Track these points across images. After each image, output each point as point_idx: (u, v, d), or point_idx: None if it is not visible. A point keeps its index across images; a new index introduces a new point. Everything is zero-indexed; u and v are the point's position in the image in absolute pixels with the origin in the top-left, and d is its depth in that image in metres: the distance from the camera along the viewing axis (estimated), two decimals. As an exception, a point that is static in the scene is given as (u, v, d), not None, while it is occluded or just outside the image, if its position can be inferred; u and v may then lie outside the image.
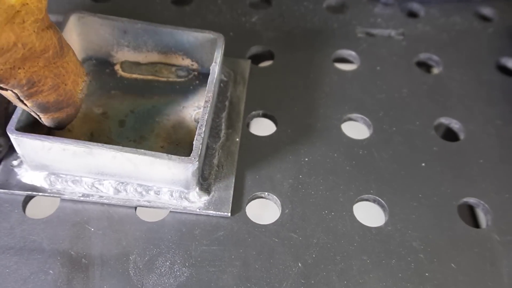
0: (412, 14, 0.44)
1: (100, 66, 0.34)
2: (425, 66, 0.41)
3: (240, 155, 0.32)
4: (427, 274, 0.28)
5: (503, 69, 0.40)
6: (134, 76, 0.34)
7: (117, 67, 0.34)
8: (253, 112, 0.35)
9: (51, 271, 0.27)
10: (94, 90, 0.33)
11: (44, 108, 0.26)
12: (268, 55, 0.39)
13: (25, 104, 0.25)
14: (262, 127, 0.35)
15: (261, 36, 0.40)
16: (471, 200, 0.32)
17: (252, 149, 0.33)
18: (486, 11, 0.44)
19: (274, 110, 0.35)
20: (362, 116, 0.35)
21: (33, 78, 0.23)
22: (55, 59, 0.24)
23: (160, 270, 0.27)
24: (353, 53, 0.39)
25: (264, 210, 0.32)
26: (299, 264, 0.28)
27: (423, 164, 0.33)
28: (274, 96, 0.36)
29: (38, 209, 0.31)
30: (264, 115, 0.35)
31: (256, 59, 0.39)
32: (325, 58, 0.39)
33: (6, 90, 0.23)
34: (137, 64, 0.34)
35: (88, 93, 0.32)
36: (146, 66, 0.34)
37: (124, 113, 0.32)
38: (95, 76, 0.34)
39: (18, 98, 0.24)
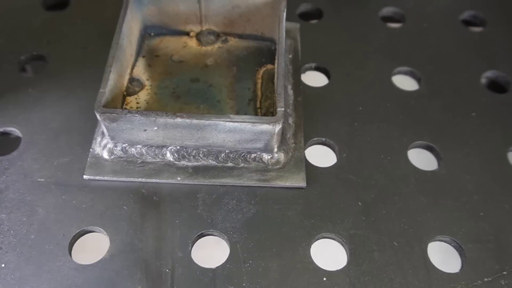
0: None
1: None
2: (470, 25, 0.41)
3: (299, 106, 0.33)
4: (481, 213, 0.30)
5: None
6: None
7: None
8: (306, 65, 0.36)
9: (125, 207, 0.29)
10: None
11: None
12: (317, 14, 0.40)
13: None
14: (315, 79, 0.36)
15: (308, -6, 0.41)
16: (522, 147, 0.33)
17: (307, 99, 0.34)
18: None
19: (326, 63, 0.36)
20: (412, 69, 0.36)
21: None
22: None
23: (228, 206, 0.29)
24: (400, 10, 0.40)
25: (322, 155, 0.33)
26: (359, 203, 0.29)
27: (473, 114, 0.34)
28: (325, 51, 0.37)
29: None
30: (317, 68, 0.36)
31: (305, 17, 0.40)
32: (373, 15, 0.40)
33: None
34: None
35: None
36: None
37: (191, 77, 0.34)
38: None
39: None
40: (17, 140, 0.31)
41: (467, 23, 0.41)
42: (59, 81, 0.34)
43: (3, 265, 0.26)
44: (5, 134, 0.32)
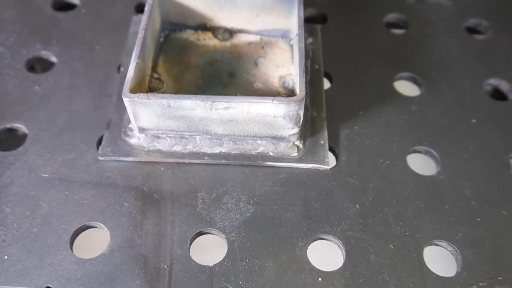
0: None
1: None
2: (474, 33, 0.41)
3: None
4: (478, 219, 0.30)
5: (552, 35, 0.41)
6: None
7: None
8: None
9: (126, 204, 0.29)
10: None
11: None
12: (321, 19, 0.41)
13: None
14: (318, 82, 0.36)
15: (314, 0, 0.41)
16: (521, 155, 0.33)
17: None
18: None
19: (329, 67, 0.37)
20: (414, 75, 0.37)
21: None
22: None
23: (227, 206, 0.29)
24: (403, 17, 0.41)
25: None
26: (357, 206, 0.30)
27: (474, 120, 0.34)
28: (328, 54, 0.37)
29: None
30: (319, 72, 0.37)
31: (309, 21, 0.40)
32: (377, 21, 0.40)
33: None
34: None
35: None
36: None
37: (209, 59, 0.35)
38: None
39: None
40: (23, 136, 0.32)
41: (471, 30, 0.41)
42: (66, 80, 0.35)
43: (6, 257, 0.27)
44: (12, 130, 0.33)
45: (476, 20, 0.41)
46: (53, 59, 0.36)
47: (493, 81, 0.37)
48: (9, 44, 0.37)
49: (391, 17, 0.41)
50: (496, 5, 0.42)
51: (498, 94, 0.37)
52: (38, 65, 0.37)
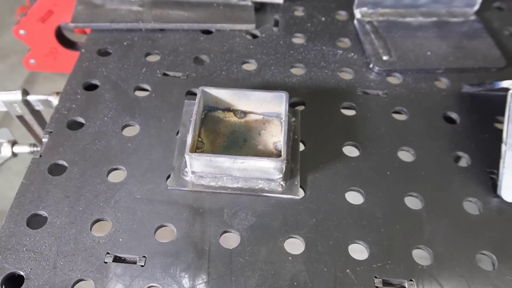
0: (394, 81, 0.69)
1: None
2: (398, 114, 0.65)
3: (283, 161, 0.57)
4: (382, 230, 0.53)
5: (448, 119, 0.64)
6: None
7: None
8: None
9: (184, 214, 0.52)
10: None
11: None
12: (302, 103, 0.65)
13: None
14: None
15: (297, 91, 0.65)
16: (413, 194, 0.56)
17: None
18: (443, 80, 0.69)
19: (304, 137, 0.60)
20: (355, 143, 0.60)
21: None
22: None
23: (240, 217, 0.53)
24: (353, 104, 0.65)
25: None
26: (313, 220, 0.53)
27: (388, 173, 0.58)
28: (304, 128, 0.61)
29: (173, 183, 0.56)
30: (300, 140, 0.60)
31: (294, 105, 0.64)
32: (336, 106, 0.64)
33: None
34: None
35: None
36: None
37: (231, 130, 0.58)
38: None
39: None
40: (124, 174, 0.56)
41: (396, 113, 0.65)
42: (146, 140, 0.59)
43: (120, 240, 0.50)
44: (116, 169, 0.56)
45: (400, 107, 0.65)
46: (137, 127, 0.60)
47: (404, 148, 0.61)
48: (111, 116, 0.61)
49: (346, 104, 0.65)
50: (414, 98, 0.66)
51: (406, 156, 0.60)
52: (127, 130, 0.61)
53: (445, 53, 0.71)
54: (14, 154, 0.73)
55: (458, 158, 0.61)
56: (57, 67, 0.90)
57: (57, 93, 0.65)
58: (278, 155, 0.56)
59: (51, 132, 0.59)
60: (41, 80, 1.80)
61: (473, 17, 0.77)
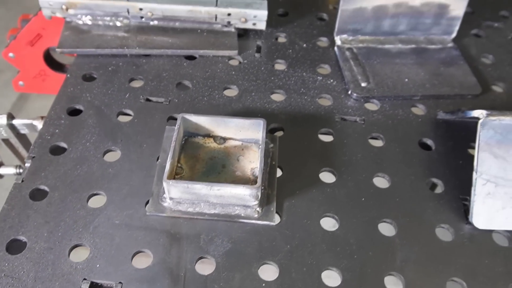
0: (371, 107, 0.70)
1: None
2: (375, 140, 0.67)
3: (261, 187, 0.59)
4: (355, 256, 0.54)
5: (423, 145, 0.66)
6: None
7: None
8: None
9: (161, 239, 0.54)
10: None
11: None
12: (281, 128, 0.66)
13: None
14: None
15: (277, 117, 0.67)
16: (387, 220, 0.57)
17: (267, 184, 0.59)
18: (420, 106, 0.71)
19: (281, 162, 0.62)
20: (332, 169, 0.62)
21: None
22: None
23: (217, 243, 0.54)
24: (331, 130, 0.66)
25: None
26: (288, 246, 0.54)
27: (363, 199, 0.59)
28: (282, 154, 0.62)
29: (152, 209, 0.57)
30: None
31: (273, 130, 0.66)
32: (314, 133, 0.66)
33: None
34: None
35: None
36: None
37: (210, 156, 0.59)
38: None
39: None
40: (104, 199, 0.57)
41: (373, 139, 0.66)
42: (126, 166, 0.60)
43: (97, 266, 0.51)
44: (96, 194, 0.58)
45: (377, 133, 0.66)
46: (119, 152, 0.61)
47: (380, 174, 0.62)
48: (93, 141, 0.62)
49: (324, 130, 0.66)
50: (391, 125, 0.67)
51: (381, 183, 0.62)
52: (109, 155, 0.62)
53: (422, 80, 0.72)
54: (0, 176, 0.74)
55: (432, 185, 0.62)
56: (45, 89, 0.91)
57: (42, 117, 0.67)
58: (255, 181, 0.57)
59: (33, 157, 0.60)
60: (34, 97, 1.81)
61: (450, 44, 0.79)
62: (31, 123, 0.67)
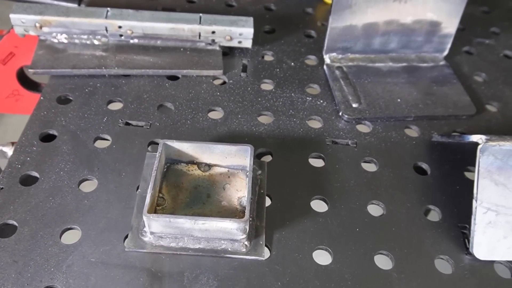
0: (363, 129, 0.67)
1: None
2: (369, 163, 0.63)
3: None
4: (351, 293, 0.50)
5: (418, 169, 0.63)
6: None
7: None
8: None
9: (141, 278, 0.49)
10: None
11: None
12: (269, 153, 0.63)
13: None
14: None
15: (265, 141, 0.63)
16: (383, 252, 0.54)
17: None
18: (414, 127, 0.68)
19: (270, 191, 0.58)
20: (323, 197, 0.58)
21: None
22: None
23: (201, 281, 0.50)
24: (322, 154, 0.63)
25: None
26: (279, 283, 0.50)
27: (357, 229, 0.55)
28: (271, 182, 0.59)
29: (131, 244, 0.53)
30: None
31: (261, 155, 0.62)
32: (304, 158, 0.62)
33: None
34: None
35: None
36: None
37: (194, 184, 0.55)
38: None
39: None
40: (78, 233, 0.52)
41: (366, 162, 0.63)
42: (104, 196, 0.55)
43: (71, 310, 0.47)
44: (70, 229, 0.53)
45: (370, 157, 0.63)
46: (95, 181, 0.57)
47: (374, 202, 0.59)
48: (67, 169, 0.58)
49: (314, 154, 0.63)
50: (384, 148, 0.64)
51: (375, 211, 0.58)
52: (85, 184, 0.58)
53: (415, 100, 0.70)
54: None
55: (429, 212, 0.59)
56: (19, 109, 0.86)
57: (13, 143, 0.62)
58: (243, 211, 0.54)
59: (2, 188, 0.55)
60: (7, 118, 1.76)
61: (442, 62, 0.76)
62: (1, 149, 0.62)
